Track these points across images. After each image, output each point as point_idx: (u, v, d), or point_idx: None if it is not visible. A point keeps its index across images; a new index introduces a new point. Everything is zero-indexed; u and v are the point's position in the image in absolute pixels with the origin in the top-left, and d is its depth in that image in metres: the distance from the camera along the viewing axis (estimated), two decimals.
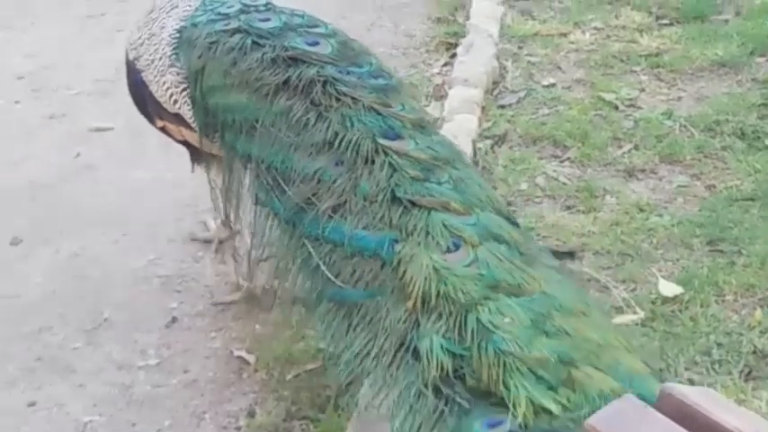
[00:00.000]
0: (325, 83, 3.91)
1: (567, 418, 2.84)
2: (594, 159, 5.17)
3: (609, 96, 5.67)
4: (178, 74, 4.26)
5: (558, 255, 3.69)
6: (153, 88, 4.34)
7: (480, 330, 3.09)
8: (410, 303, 3.27)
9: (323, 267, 3.57)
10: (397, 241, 3.43)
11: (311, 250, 3.64)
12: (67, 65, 6.42)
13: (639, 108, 5.60)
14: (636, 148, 5.26)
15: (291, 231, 3.75)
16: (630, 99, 5.66)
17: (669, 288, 4.28)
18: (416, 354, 3.18)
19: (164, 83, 4.30)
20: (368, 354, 3.35)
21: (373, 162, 3.66)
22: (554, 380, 2.94)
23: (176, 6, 4.42)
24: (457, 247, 3.38)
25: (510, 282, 3.25)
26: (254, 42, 4.09)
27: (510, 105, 5.66)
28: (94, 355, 4.20)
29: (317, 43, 4.11)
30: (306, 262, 3.65)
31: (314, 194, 3.71)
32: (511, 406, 2.88)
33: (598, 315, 3.29)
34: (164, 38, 4.32)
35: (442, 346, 3.12)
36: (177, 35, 4.30)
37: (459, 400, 3.03)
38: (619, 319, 4.14)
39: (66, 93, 6.12)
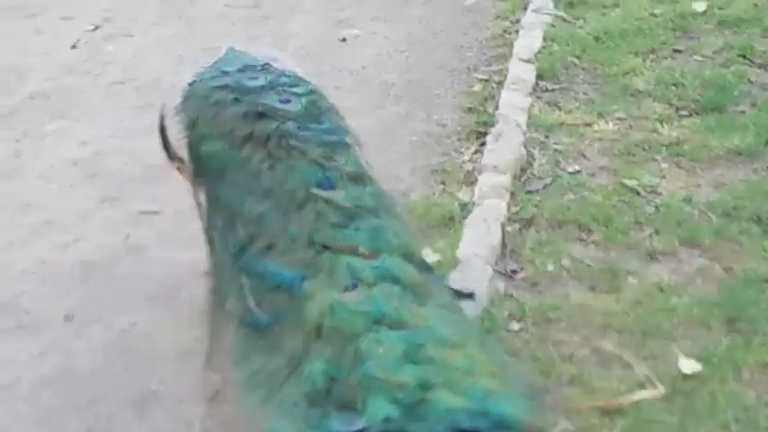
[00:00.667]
0: (281, 136, 4.21)
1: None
2: (618, 242, 5.21)
3: (631, 183, 5.72)
4: (182, 122, 4.53)
5: (459, 295, 4.05)
6: (169, 132, 4.69)
7: (355, 358, 3.43)
8: (293, 334, 3.64)
9: (249, 297, 3.86)
10: (306, 279, 3.75)
11: (243, 282, 3.92)
12: (119, 152, 6.53)
13: (660, 194, 5.63)
14: (657, 232, 5.30)
15: (233, 265, 4.04)
16: (652, 186, 5.70)
17: (689, 365, 4.31)
18: (301, 374, 3.52)
19: (174, 128, 4.59)
20: (263, 371, 3.67)
21: (303, 208, 3.98)
22: (408, 400, 3.24)
23: (197, 62, 4.80)
24: (355, 286, 3.68)
25: (394, 318, 3.54)
26: (234, 98, 4.40)
27: (537, 191, 5.71)
28: (143, 426, 4.26)
29: (288, 101, 4.43)
30: (239, 292, 3.92)
31: (256, 234, 4.02)
32: (364, 417, 3.22)
33: (475, 348, 3.53)
34: (180, 88, 4.63)
35: (322, 370, 3.45)
36: (188, 87, 4.61)
37: (325, 408, 3.35)
38: (640, 395, 4.18)
39: (117, 178, 6.22)
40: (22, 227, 5.75)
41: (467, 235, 5.21)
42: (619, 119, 6.48)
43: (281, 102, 4.44)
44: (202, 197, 4.46)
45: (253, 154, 4.25)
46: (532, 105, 6.65)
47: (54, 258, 5.42)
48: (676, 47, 7.48)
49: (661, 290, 4.84)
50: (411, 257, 3.94)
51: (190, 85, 4.63)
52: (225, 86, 4.51)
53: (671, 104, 6.62)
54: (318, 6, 9.04)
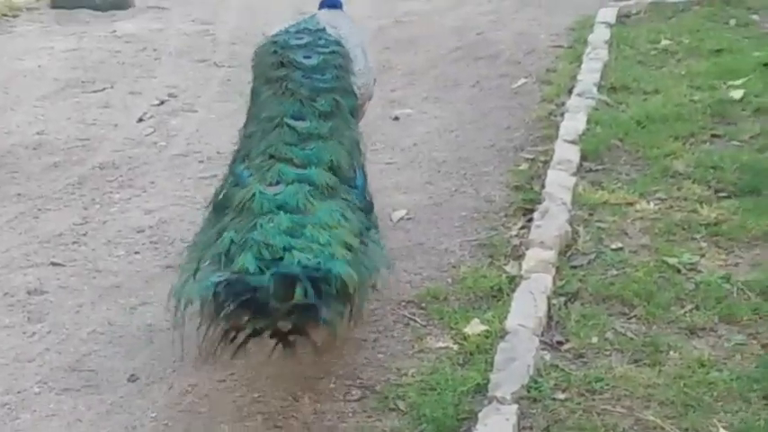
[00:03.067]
0: (285, 80, 5.50)
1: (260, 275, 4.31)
2: (659, 317, 5.19)
3: (672, 260, 5.69)
4: (252, 67, 5.87)
5: (369, 205, 5.23)
6: None
7: (252, 227, 4.61)
8: (231, 213, 4.84)
9: (223, 190, 5.15)
10: (251, 176, 5.01)
11: (229, 179, 5.21)
12: (183, 220, 6.59)
13: (700, 272, 5.60)
14: (697, 308, 5.27)
15: (230, 167, 5.35)
16: (692, 263, 5.68)
17: None
18: (219, 240, 4.65)
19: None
20: (204, 239, 4.90)
21: (274, 130, 5.24)
22: (269, 257, 4.41)
23: (283, 23, 6.08)
24: (278, 183, 4.92)
25: (293, 205, 4.76)
26: (274, 51, 5.70)
27: (581, 266, 5.70)
28: None
29: (310, 57, 5.67)
30: (220, 189, 5.21)
31: (244, 146, 5.36)
32: (232, 266, 4.39)
33: (343, 232, 4.69)
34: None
35: (230, 237, 4.61)
36: (261, 42, 5.93)
37: (218, 265, 4.48)
38: None
39: (181, 245, 6.19)
40: (90, 290, 5.81)
41: (514, 307, 5.21)
42: (660, 199, 6.47)
43: (304, 57, 5.66)
44: None
45: (267, 91, 5.54)
46: (577, 184, 6.65)
47: (121, 321, 5.47)
48: (715, 132, 7.48)
49: (702, 364, 4.79)
50: (337, 171, 5.10)
51: (263, 40, 5.91)
52: (275, 42, 5.77)
53: (710, 187, 6.60)
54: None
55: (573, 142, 7.25)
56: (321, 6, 6.42)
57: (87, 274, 6.00)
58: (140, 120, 8.57)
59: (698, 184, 6.63)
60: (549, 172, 6.79)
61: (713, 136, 7.42)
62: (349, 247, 4.60)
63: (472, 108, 8.46)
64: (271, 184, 4.90)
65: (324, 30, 5.87)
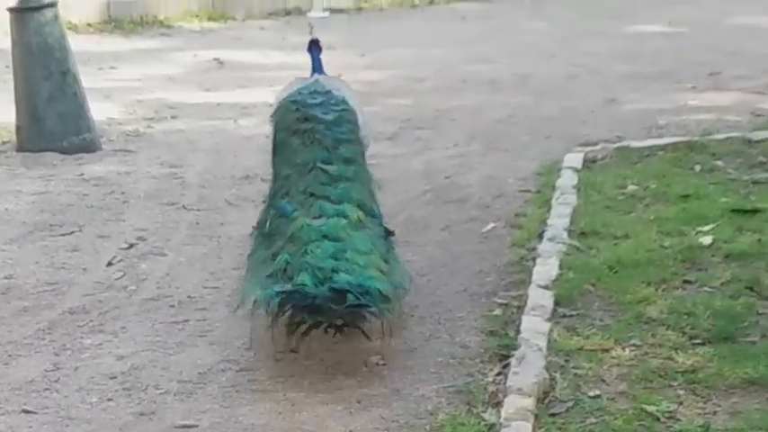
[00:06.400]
0: (312, 132, 7.06)
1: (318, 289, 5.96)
2: None
3: (650, 408, 5.72)
4: (272, 122, 7.49)
5: (387, 232, 6.92)
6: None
7: (304, 253, 6.19)
8: (281, 239, 6.48)
9: (268, 221, 6.81)
10: (296, 211, 6.60)
11: (270, 212, 6.89)
12: (156, 366, 6.58)
13: (679, 420, 5.63)
14: None
15: (269, 203, 7.06)
16: (670, 412, 5.70)
17: None
18: (275, 261, 6.31)
19: (269, 127, 7.55)
20: (259, 259, 6.66)
21: (309, 173, 6.82)
22: (321, 277, 6.01)
23: (289, 88, 7.67)
24: (320, 216, 6.50)
25: (335, 235, 6.34)
26: (296, 109, 7.26)
27: (560, 414, 5.72)
28: None
29: (327, 113, 7.17)
30: (266, 218, 6.92)
31: (283, 186, 6.93)
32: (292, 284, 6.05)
33: (375, 257, 6.40)
34: (276, 101, 7.70)
35: (285, 259, 6.23)
36: (279, 101, 7.57)
37: (277, 279, 6.17)
38: None
39: (154, 392, 6.25)
40: None
41: None
42: (635, 345, 6.51)
43: (323, 113, 7.15)
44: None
45: (295, 141, 7.03)
46: (552, 330, 6.69)
47: None
48: (686, 278, 7.55)
49: None
50: (363, 206, 6.69)
51: (280, 100, 7.50)
52: (295, 101, 7.31)
53: (684, 333, 6.64)
54: None
55: (546, 287, 7.30)
56: (314, 73, 7.89)
57: (60, 422, 5.94)
58: (110, 264, 8.56)
59: (672, 331, 6.67)
60: (524, 318, 6.83)
61: (685, 282, 7.49)
62: (381, 270, 6.22)
63: (443, 252, 8.52)
64: (315, 217, 6.44)
65: (330, 92, 7.38)
